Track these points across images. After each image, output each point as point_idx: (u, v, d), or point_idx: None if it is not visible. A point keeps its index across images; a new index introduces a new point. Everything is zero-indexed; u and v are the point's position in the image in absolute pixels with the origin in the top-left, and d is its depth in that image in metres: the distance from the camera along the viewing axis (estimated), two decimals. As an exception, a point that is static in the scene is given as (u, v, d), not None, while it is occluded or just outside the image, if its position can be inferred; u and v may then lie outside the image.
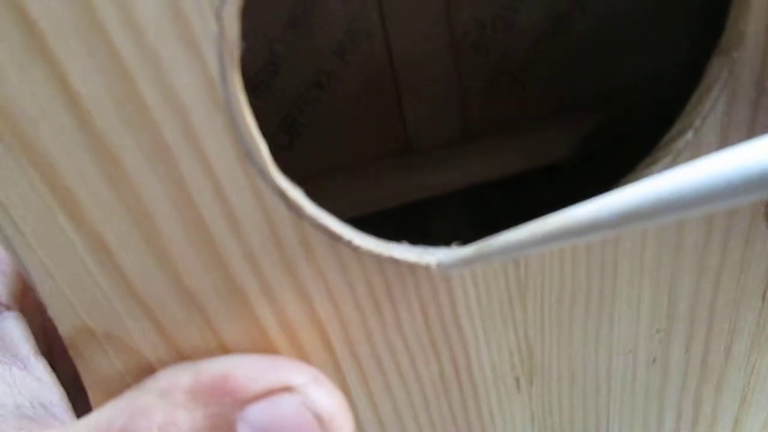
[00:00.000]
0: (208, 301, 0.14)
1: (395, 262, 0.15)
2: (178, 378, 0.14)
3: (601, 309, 0.17)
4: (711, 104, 0.14)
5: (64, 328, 0.14)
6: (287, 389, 0.14)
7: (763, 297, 0.18)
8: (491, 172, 0.22)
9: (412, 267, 0.15)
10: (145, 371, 0.15)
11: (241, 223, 0.14)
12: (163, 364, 0.15)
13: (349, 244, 0.14)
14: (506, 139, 0.22)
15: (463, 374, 0.17)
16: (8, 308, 0.18)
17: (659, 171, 0.15)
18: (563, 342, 0.17)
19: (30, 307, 0.19)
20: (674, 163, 0.15)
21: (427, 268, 0.15)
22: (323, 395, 0.14)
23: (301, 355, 0.16)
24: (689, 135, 0.14)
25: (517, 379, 0.18)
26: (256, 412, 0.14)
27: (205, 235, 0.13)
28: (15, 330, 0.17)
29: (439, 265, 0.15)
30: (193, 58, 0.12)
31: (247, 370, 0.14)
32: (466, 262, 0.14)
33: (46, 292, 0.14)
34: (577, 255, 0.16)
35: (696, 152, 0.15)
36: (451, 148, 0.22)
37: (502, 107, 0.23)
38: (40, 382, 0.17)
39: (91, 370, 0.15)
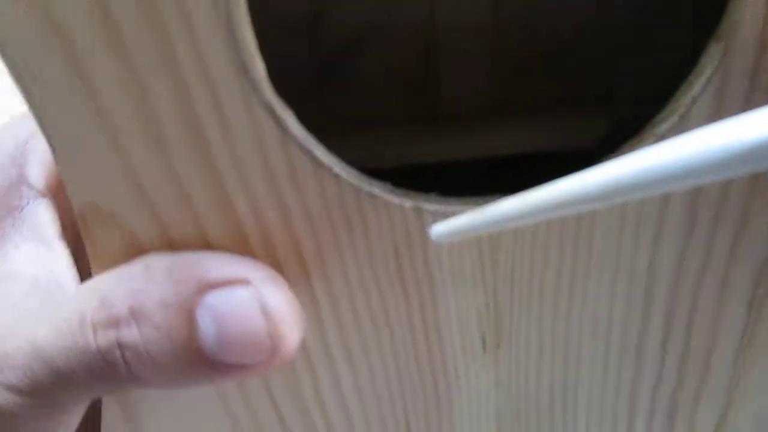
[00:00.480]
0: (198, 200, 0.16)
1: (373, 197, 0.16)
2: (161, 258, 0.16)
3: (573, 286, 0.17)
4: (701, 88, 0.14)
5: (77, 203, 0.16)
6: (243, 282, 0.15)
7: (750, 305, 0.17)
8: (515, 147, 0.22)
9: (388, 206, 0.16)
10: (138, 254, 0.17)
11: (232, 132, 0.15)
12: (155, 250, 0.17)
13: (329, 170, 0.16)
14: (534, 118, 0.22)
15: (430, 320, 0.18)
16: (43, 195, 0.20)
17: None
18: (532, 314, 0.18)
19: (62, 202, 0.21)
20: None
21: (402, 209, 0.16)
22: (274, 292, 0.16)
23: (277, 269, 0.17)
24: (675, 118, 0.14)
25: (484, 339, 0.18)
26: (213, 298, 0.15)
27: (199, 136, 0.15)
28: (45, 215, 0.20)
29: (433, 234, 0.16)
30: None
31: (214, 261, 0.16)
32: (457, 231, 0.15)
33: (65, 166, 0.16)
34: (551, 226, 0.16)
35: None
36: (479, 118, 0.23)
37: (535, 86, 0.23)
38: (59, 263, 0.19)
39: (95, 245, 0.17)
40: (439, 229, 0.15)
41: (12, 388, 0.16)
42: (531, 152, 0.22)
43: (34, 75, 0.14)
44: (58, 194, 0.21)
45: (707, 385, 0.19)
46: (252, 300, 0.15)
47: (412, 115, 0.24)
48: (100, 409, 0.21)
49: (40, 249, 0.19)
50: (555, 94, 0.23)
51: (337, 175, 0.16)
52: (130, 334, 0.15)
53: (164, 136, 0.15)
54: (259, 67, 0.14)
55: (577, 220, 0.16)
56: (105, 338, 0.16)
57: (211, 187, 0.16)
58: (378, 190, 0.16)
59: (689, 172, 0.11)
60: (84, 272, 0.20)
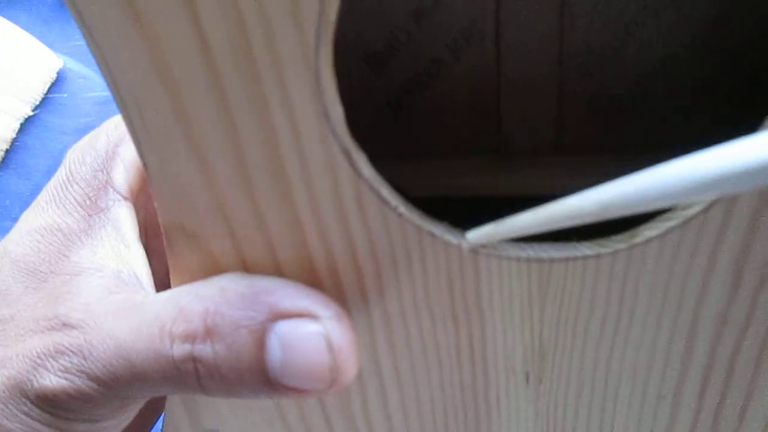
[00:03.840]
0: (273, 228, 0.17)
1: (433, 236, 0.17)
2: (237, 282, 0.18)
3: (616, 333, 0.18)
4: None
5: (163, 219, 0.18)
6: (314, 316, 0.17)
7: (788, 367, 0.18)
8: (575, 188, 0.23)
9: (446, 245, 0.17)
10: (215, 271, 0.18)
11: (310, 169, 0.16)
12: (230, 269, 0.18)
13: (395, 209, 0.17)
14: (594, 160, 0.23)
15: (478, 353, 0.19)
16: (125, 199, 0.22)
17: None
18: (575, 354, 0.19)
19: (139, 206, 0.23)
20: (707, 212, 0.16)
21: (459, 249, 0.17)
22: (340, 331, 0.17)
23: (339, 294, 0.18)
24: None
25: (527, 374, 0.19)
26: (284, 326, 0.17)
27: (280, 171, 0.16)
28: (127, 217, 0.22)
29: (467, 240, 0.17)
30: (297, 27, 0.15)
31: (288, 291, 0.17)
32: (490, 235, 0.16)
33: (157, 188, 0.17)
34: (600, 273, 0.17)
35: (731, 205, 0.15)
36: (541, 159, 0.24)
37: (598, 131, 0.24)
38: (137, 261, 0.21)
39: (176, 258, 0.19)
40: (473, 236, 0.17)
41: (93, 378, 0.18)
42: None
43: (139, 108, 0.16)
44: (137, 199, 0.23)
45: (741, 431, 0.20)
46: (319, 335, 0.17)
47: (474, 148, 0.25)
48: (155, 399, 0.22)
49: (121, 247, 0.21)
50: (620, 138, 0.24)
51: (400, 214, 0.17)
52: (204, 349, 0.17)
53: (248, 169, 0.16)
54: (339, 113, 0.16)
55: (625, 272, 0.17)
56: (181, 350, 0.17)
57: (286, 217, 0.17)
58: (437, 229, 0.17)
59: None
60: (155, 272, 0.22)
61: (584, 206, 0.13)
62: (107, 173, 0.22)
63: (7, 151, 0.48)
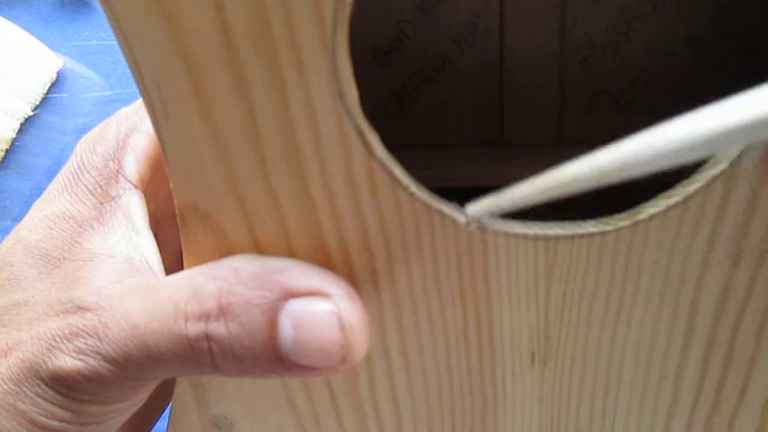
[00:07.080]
0: (287, 209, 0.18)
1: (442, 214, 0.18)
2: (250, 262, 0.18)
3: (619, 311, 0.19)
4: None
5: (178, 200, 0.18)
6: (325, 295, 0.17)
7: (786, 343, 0.18)
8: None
9: (455, 223, 0.18)
10: (227, 252, 0.19)
11: (324, 150, 0.17)
12: (243, 250, 0.19)
13: (406, 189, 0.17)
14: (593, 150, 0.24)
15: (484, 334, 0.20)
16: (136, 187, 0.22)
17: (694, 193, 0.16)
18: (580, 334, 0.19)
19: (149, 195, 0.23)
20: (708, 189, 0.16)
21: (468, 227, 0.18)
22: (351, 309, 0.17)
23: (350, 275, 0.19)
24: (724, 164, 0.16)
25: (533, 355, 0.20)
26: (296, 305, 0.17)
27: (295, 152, 0.17)
28: (137, 205, 0.22)
29: (467, 214, 0.18)
30: (315, 9, 0.15)
31: (300, 271, 0.18)
32: (490, 207, 0.17)
33: (174, 169, 0.18)
34: (604, 251, 0.18)
35: (731, 182, 0.16)
36: (542, 151, 0.25)
37: (599, 125, 0.25)
38: (148, 247, 0.22)
39: (190, 240, 0.19)
40: (473, 209, 0.17)
41: (108, 359, 0.18)
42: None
43: (159, 89, 0.16)
44: (147, 189, 0.23)
45: (742, 410, 0.20)
46: (331, 313, 0.17)
47: (477, 141, 0.25)
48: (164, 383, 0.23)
49: (132, 234, 0.22)
50: (620, 132, 0.25)
51: (411, 193, 0.17)
52: (218, 328, 0.17)
53: (264, 150, 0.17)
54: (353, 94, 0.16)
55: (629, 249, 0.18)
56: (195, 329, 0.18)
57: (300, 198, 0.18)
58: (447, 208, 0.18)
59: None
60: (164, 261, 0.22)
61: (582, 172, 0.14)
62: (118, 162, 0.23)
63: (7, 151, 0.48)
